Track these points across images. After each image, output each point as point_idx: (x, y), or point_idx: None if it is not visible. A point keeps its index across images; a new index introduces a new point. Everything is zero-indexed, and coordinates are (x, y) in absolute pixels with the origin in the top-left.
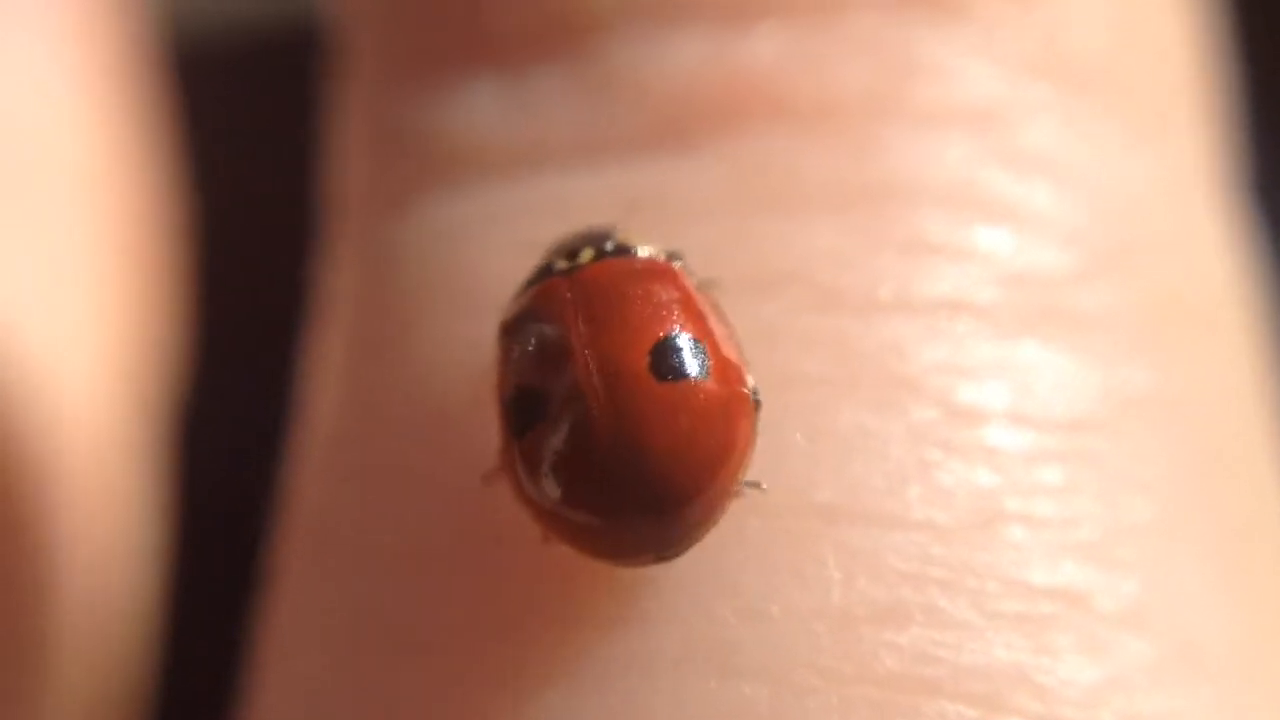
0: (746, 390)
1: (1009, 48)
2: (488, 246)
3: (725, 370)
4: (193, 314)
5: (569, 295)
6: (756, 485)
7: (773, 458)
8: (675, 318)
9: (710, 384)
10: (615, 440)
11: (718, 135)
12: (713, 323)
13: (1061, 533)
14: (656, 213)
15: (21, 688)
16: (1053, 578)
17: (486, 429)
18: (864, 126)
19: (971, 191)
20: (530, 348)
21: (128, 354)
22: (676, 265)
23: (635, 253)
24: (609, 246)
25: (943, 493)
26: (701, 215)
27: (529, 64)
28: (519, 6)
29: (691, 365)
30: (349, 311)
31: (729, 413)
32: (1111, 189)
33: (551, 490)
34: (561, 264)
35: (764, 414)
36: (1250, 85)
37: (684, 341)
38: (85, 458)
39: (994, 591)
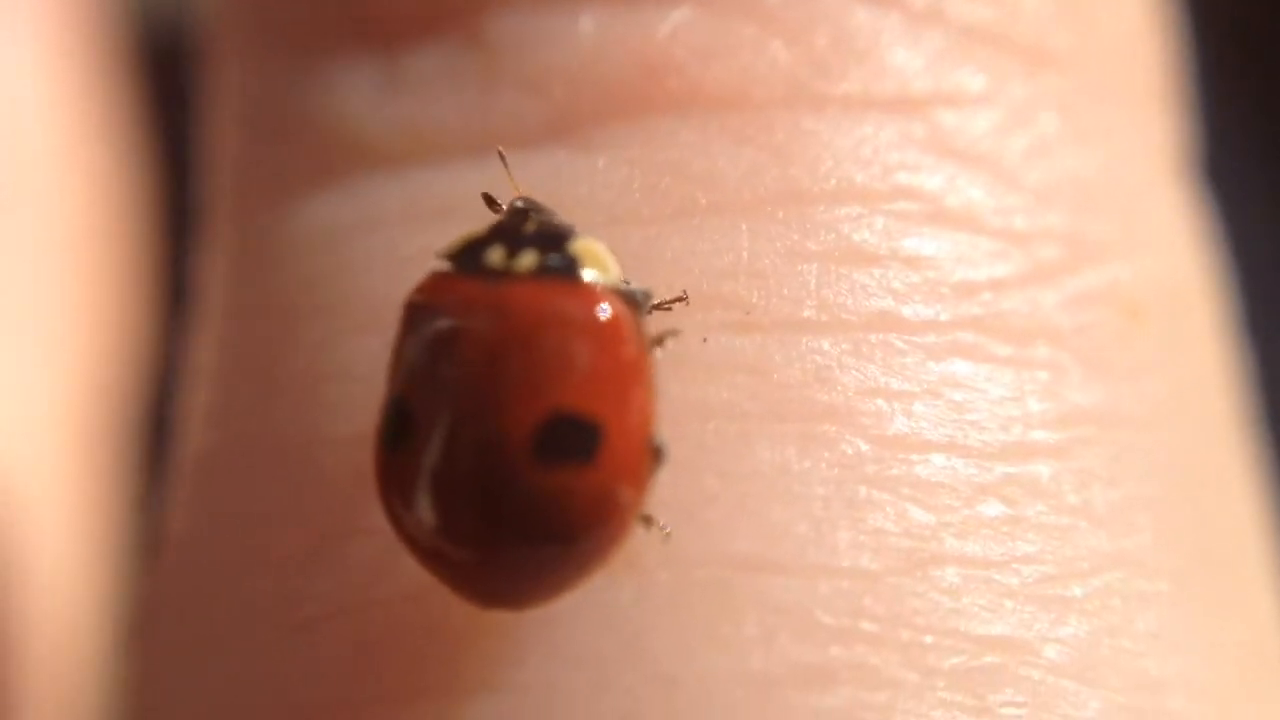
0: (635, 490)
1: (945, 27)
2: (369, 252)
3: (620, 461)
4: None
5: (483, 315)
6: (653, 524)
7: (684, 503)
8: (590, 386)
9: (593, 475)
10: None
11: (618, 129)
12: (633, 395)
13: (1004, 574)
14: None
15: None
16: (994, 626)
17: (365, 470)
18: (783, 118)
19: (902, 191)
20: (419, 354)
21: (91, 376)
22: (639, 301)
23: (587, 277)
24: (557, 261)
25: (872, 535)
26: (600, 222)
27: (410, 45)
28: None
29: (581, 451)
30: (221, 316)
31: (601, 507)
32: (1059, 185)
33: (397, 504)
34: (496, 259)
35: (674, 451)
36: (1205, 62)
37: (583, 422)
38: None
39: (930, 645)
